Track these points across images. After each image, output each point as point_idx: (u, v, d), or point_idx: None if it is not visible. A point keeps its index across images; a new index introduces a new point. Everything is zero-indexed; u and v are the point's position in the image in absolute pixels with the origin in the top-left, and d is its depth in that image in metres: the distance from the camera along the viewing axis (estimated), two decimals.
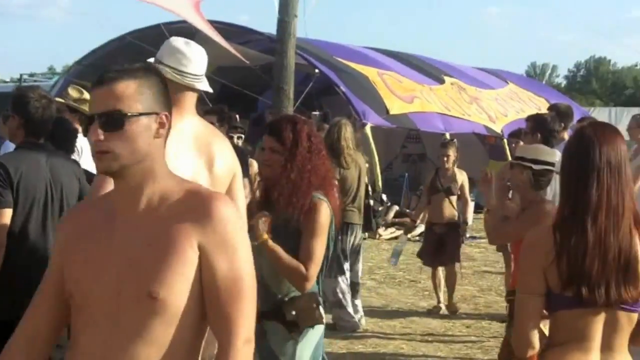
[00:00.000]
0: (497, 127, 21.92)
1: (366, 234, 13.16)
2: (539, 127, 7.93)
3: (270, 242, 4.40)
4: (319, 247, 4.46)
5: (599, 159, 3.21)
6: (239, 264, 2.55)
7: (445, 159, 10.78)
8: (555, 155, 6.02)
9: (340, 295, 9.50)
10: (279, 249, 4.41)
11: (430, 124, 20.74)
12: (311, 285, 4.47)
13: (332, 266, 9.50)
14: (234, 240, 2.55)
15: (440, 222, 10.69)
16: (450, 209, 10.68)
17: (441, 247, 10.61)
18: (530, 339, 3.27)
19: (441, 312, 10.54)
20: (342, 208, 9.39)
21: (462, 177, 10.81)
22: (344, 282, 9.56)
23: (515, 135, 10.11)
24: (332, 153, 9.33)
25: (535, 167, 5.86)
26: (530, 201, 5.84)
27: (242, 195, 4.39)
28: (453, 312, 10.50)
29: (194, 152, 4.12)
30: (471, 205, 11.62)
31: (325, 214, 4.46)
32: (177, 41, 4.26)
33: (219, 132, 4.54)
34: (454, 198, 10.67)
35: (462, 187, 10.75)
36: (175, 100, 4.18)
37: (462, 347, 9.07)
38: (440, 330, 9.80)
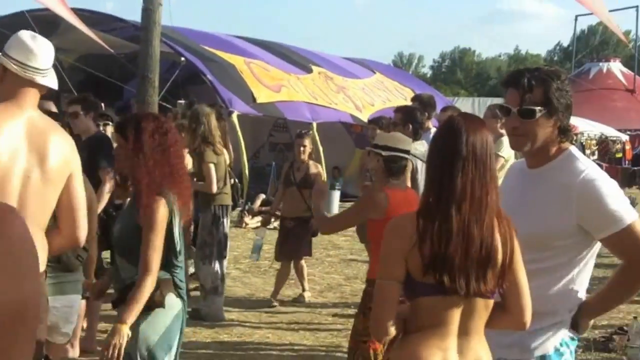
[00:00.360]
0: (364, 116, 22.11)
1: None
2: (409, 119, 8.04)
3: None
4: (156, 242, 4.57)
5: (465, 149, 3.22)
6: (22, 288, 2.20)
7: (302, 149, 10.49)
8: (409, 143, 6.19)
9: (219, 282, 9.46)
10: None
11: (297, 113, 20.82)
12: (150, 275, 4.53)
13: (213, 252, 9.48)
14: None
15: (291, 216, 10.51)
16: (302, 203, 10.36)
17: (293, 240, 10.49)
18: (387, 324, 3.29)
19: (306, 300, 10.56)
20: (218, 193, 9.56)
21: (317, 170, 10.57)
22: (222, 269, 9.55)
23: (374, 122, 10.18)
24: (204, 141, 9.48)
25: (384, 153, 6.02)
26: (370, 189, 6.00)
27: (81, 190, 4.46)
28: (300, 302, 10.48)
29: (27, 148, 4.14)
30: (336, 195, 11.60)
31: (161, 212, 4.56)
32: (24, 35, 4.34)
33: (59, 128, 4.55)
34: (307, 192, 10.24)
35: (316, 180, 10.30)
36: (16, 94, 4.21)
37: (327, 336, 9.11)
38: (307, 319, 9.84)
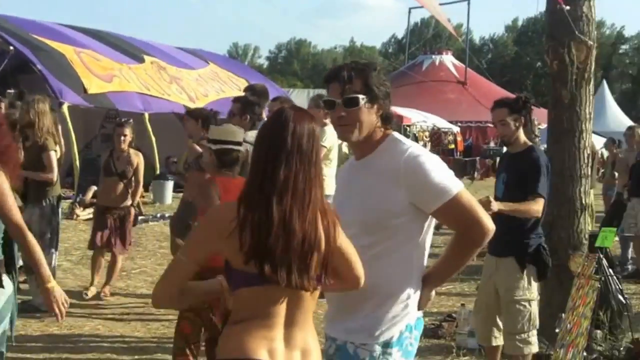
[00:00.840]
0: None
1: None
2: (247, 110, 8.08)
3: None
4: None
5: (290, 142, 3.24)
6: None
7: (122, 138, 10.30)
8: (240, 134, 6.26)
9: (53, 271, 9.29)
10: None
11: (129, 104, 20.55)
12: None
13: (49, 242, 9.34)
14: None
15: (111, 205, 10.33)
16: (122, 193, 10.30)
17: (110, 230, 10.32)
18: (167, 295, 3.31)
19: (89, 295, 10.28)
20: (56, 182, 9.55)
21: (137, 159, 10.40)
22: (54, 260, 9.49)
23: (189, 113, 9.98)
24: (45, 131, 9.44)
25: (213, 146, 6.11)
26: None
27: None
28: (102, 297, 10.27)
29: None
30: (169, 185, 11.62)
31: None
32: None
33: None
34: (128, 181, 10.29)
35: (136, 170, 10.35)
36: None
37: (159, 327, 9.08)
38: (138, 310, 9.77)
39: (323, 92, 4.33)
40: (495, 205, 6.15)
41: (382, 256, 3.71)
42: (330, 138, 9.56)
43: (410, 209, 3.69)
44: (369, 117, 3.77)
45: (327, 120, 9.49)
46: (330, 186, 8.49)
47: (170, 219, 8.31)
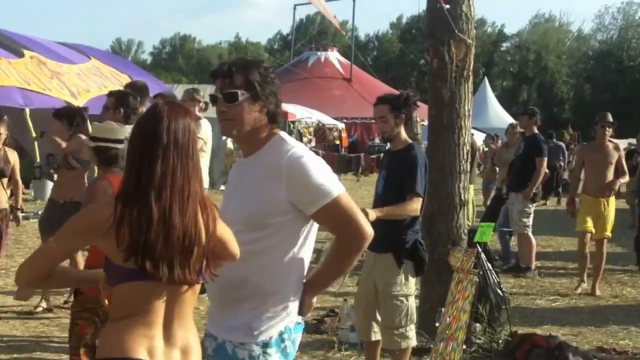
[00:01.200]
0: (80, 103, 21.59)
1: None
2: (120, 104, 8.00)
3: None
4: None
5: (166, 137, 3.21)
6: None
7: None
8: (118, 131, 6.19)
9: None
10: None
11: (9, 99, 20.06)
12: None
13: None
14: None
15: None
16: (2, 193, 9.82)
17: None
18: (29, 277, 3.30)
19: None
20: None
21: (13, 157, 9.98)
22: None
23: (56, 114, 9.72)
24: None
25: (91, 144, 6.08)
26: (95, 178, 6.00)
27: None
28: None
29: None
30: (50, 182, 11.38)
31: None
32: None
33: None
34: (5, 180, 9.85)
35: (13, 169, 9.90)
36: None
37: (38, 325, 8.93)
38: (17, 308, 9.56)
39: (209, 87, 4.32)
40: (372, 214, 6.21)
41: (263, 254, 3.70)
42: (205, 131, 9.69)
43: (291, 208, 3.69)
44: (251, 113, 3.75)
45: (200, 114, 9.67)
46: (204, 180, 8.54)
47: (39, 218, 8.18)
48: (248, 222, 3.71)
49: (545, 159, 12.77)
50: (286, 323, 3.77)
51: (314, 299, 3.93)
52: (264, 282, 3.70)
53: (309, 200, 3.67)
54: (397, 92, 7.09)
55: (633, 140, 29.95)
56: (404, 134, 6.88)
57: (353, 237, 3.75)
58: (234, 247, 3.47)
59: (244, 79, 3.73)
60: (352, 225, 3.72)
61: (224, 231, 3.42)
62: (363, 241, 3.77)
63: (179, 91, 29.32)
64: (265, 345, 3.70)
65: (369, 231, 3.77)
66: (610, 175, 11.43)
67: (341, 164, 33.27)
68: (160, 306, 3.26)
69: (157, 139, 3.22)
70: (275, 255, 3.72)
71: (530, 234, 12.75)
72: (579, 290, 11.46)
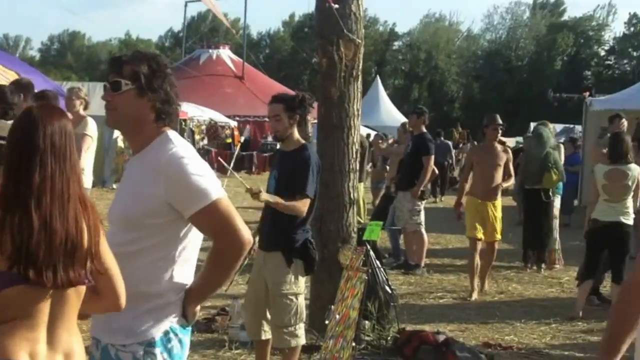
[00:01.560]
0: None
1: None
2: None
3: None
4: None
5: (42, 141, 3.15)
6: None
7: None
8: (3, 129, 6.07)
9: None
10: None
11: None
12: None
13: None
14: None
15: None
16: None
17: None
18: None
19: None
20: None
21: None
22: None
23: None
24: None
25: None
26: None
27: None
28: None
29: None
30: None
31: None
32: None
33: None
34: None
35: None
36: None
37: None
38: None
39: (98, 85, 4.29)
40: (264, 196, 6.25)
41: (141, 255, 3.64)
42: (91, 128, 9.60)
43: (169, 209, 3.62)
44: (135, 106, 3.71)
45: (83, 113, 9.61)
46: (87, 178, 8.51)
47: None
48: (127, 221, 3.67)
49: (432, 157, 12.91)
50: (171, 323, 3.69)
51: (197, 307, 3.85)
52: (142, 284, 3.61)
53: (187, 202, 3.60)
54: (292, 92, 7.11)
55: (520, 139, 30.67)
56: (297, 135, 6.90)
57: (230, 244, 3.64)
58: (120, 288, 3.40)
59: (132, 70, 3.69)
60: (230, 231, 3.63)
61: (112, 265, 3.37)
62: (241, 248, 3.66)
63: (68, 88, 28.96)
64: (149, 344, 3.64)
65: (248, 238, 3.67)
66: (498, 178, 11.49)
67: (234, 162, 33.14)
68: (44, 309, 3.20)
69: (33, 147, 3.15)
70: (153, 256, 3.65)
71: (423, 230, 12.87)
72: (473, 298, 11.18)
